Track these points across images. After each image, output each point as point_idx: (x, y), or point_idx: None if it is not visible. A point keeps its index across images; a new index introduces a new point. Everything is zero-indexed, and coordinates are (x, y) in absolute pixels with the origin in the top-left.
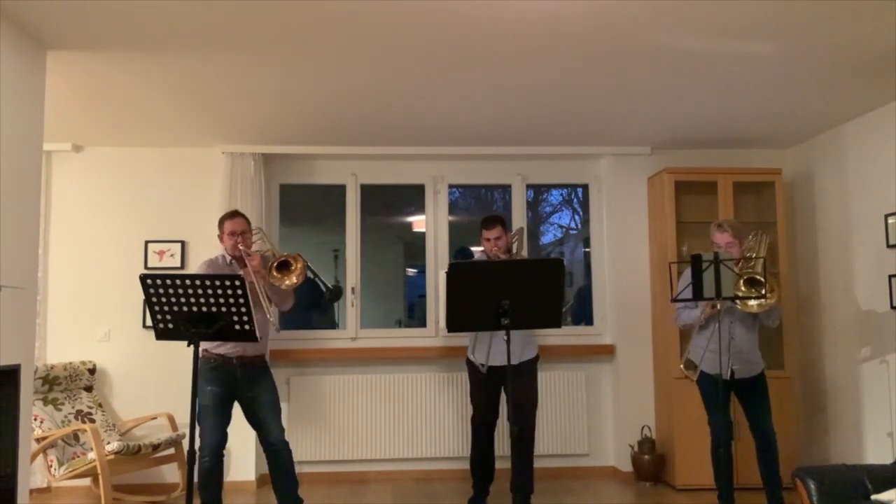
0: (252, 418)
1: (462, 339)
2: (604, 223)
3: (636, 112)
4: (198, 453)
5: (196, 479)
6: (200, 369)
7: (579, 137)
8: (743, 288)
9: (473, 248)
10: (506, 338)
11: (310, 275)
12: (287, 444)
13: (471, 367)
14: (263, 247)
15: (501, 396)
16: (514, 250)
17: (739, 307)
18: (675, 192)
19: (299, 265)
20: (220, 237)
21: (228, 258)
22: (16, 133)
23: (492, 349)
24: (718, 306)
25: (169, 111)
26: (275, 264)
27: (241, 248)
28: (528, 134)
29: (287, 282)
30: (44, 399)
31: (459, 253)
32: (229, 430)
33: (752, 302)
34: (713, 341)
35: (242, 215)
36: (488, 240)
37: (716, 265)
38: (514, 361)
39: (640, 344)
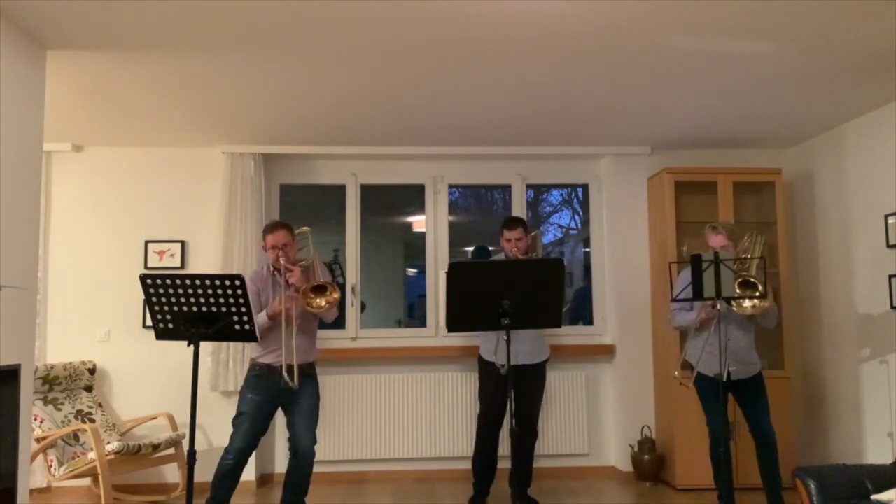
0: (288, 421)
1: (462, 338)
2: (604, 223)
3: (636, 112)
4: (220, 454)
5: (213, 476)
6: (246, 377)
7: (579, 137)
8: (738, 290)
9: (491, 248)
10: (506, 338)
11: (341, 279)
12: (313, 455)
13: (485, 367)
14: (308, 254)
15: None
16: (535, 252)
17: (735, 309)
18: (675, 192)
19: (334, 295)
20: (264, 248)
21: (271, 269)
22: (16, 133)
23: (512, 349)
24: (718, 307)
25: (169, 111)
26: (312, 286)
27: (282, 261)
28: (528, 134)
29: (317, 302)
30: (44, 399)
31: (478, 252)
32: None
33: (747, 304)
34: (710, 343)
35: (284, 227)
36: (509, 240)
37: (716, 265)
38: (531, 362)
39: (640, 344)
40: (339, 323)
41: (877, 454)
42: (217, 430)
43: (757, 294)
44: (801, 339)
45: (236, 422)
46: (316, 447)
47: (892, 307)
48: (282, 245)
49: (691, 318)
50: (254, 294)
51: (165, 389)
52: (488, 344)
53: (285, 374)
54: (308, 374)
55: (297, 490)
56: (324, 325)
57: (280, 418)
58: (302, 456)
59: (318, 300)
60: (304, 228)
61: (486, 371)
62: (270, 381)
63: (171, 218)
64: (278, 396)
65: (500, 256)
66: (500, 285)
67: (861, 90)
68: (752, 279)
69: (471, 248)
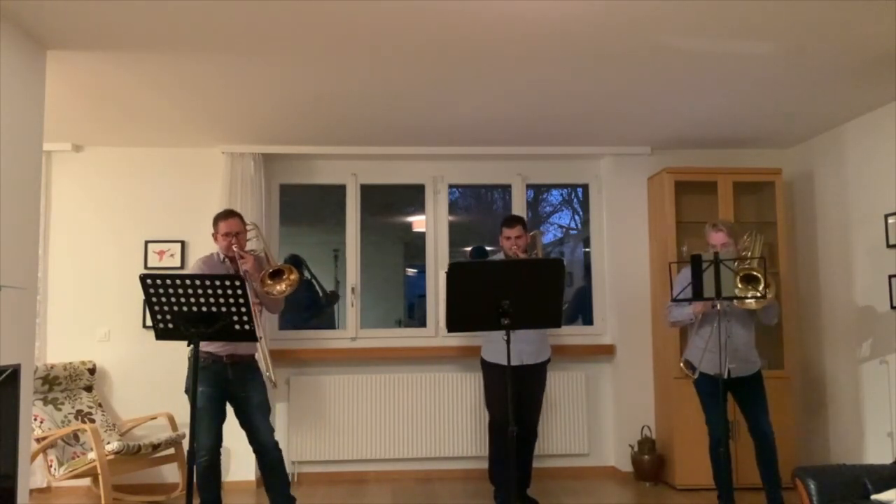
0: (242, 418)
1: (462, 338)
2: (604, 223)
3: (636, 112)
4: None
5: (194, 479)
6: (190, 369)
7: (579, 137)
8: (739, 285)
9: (487, 248)
10: (505, 338)
11: (307, 275)
12: (276, 443)
13: (490, 369)
14: (258, 245)
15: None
16: (535, 251)
17: (737, 304)
18: (675, 192)
19: (292, 276)
20: (215, 236)
21: (223, 256)
22: (16, 133)
23: (516, 349)
24: (719, 306)
25: (169, 111)
26: (269, 271)
27: (234, 249)
28: (528, 134)
29: (277, 288)
30: (44, 399)
31: (476, 252)
32: (229, 430)
33: (750, 297)
34: (711, 342)
35: (237, 215)
36: (508, 238)
37: (716, 265)
38: (534, 362)
39: (640, 344)
40: (338, 323)
41: (877, 454)
42: None
43: (759, 288)
44: (801, 339)
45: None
46: (315, 446)
47: (892, 307)
48: (235, 233)
49: (688, 312)
50: None
51: (165, 389)
52: (491, 345)
53: (267, 376)
54: (251, 365)
55: (278, 485)
56: (321, 325)
57: (283, 415)
58: (267, 449)
59: (277, 286)
60: (250, 222)
61: (492, 374)
62: (215, 371)
63: (171, 218)
64: (226, 385)
65: (500, 256)
66: (500, 285)
67: (861, 90)
68: (754, 272)
69: (469, 249)
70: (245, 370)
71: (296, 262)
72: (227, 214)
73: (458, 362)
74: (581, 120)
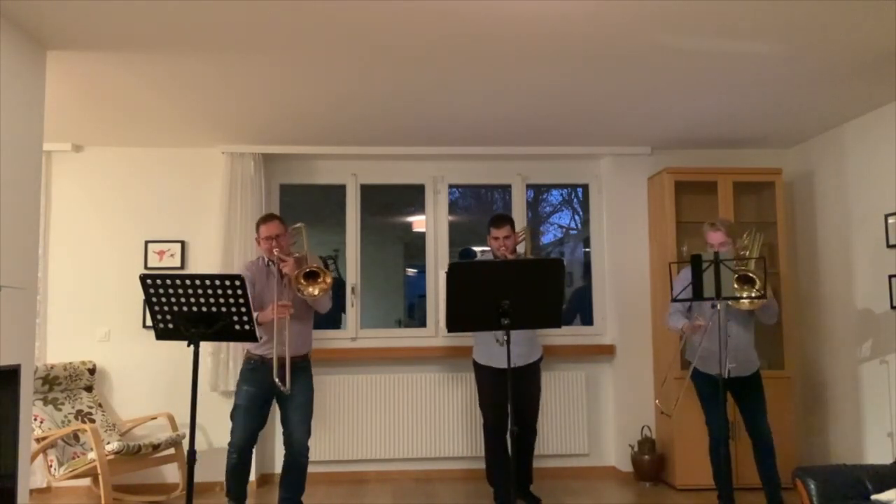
0: (282, 417)
1: (463, 338)
2: (604, 223)
3: (636, 112)
4: (227, 449)
5: (225, 473)
6: (241, 370)
7: (579, 137)
8: (736, 286)
9: (477, 248)
10: (506, 337)
11: (336, 275)
12: (307, 449)
13: (481, 371)
14: (301, 248)
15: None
16: (524, 251)
17: (733, 305)
18: (675, 192)
19: (327, 279)
20: (257, 240)
21: (266, 260)
22: (16, 133)
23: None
24: (718, 306)
25: (169, 111)
26: (304, 271)
27: (275, 251)
28: (528, 134)
29: (309, 290)
30: (44, 399)
31: (463, 254)
32: (225, 430)
33: (745, 299)
34: (710, 341)
35: (277, 218)
36: (496, 238)
37: (716, 265)
38: (525, 363)
39: (640, 344)
40: (338, 323)
41: (877, 454)
42: (217, 430)
43: (755, 290)
44: (801, 339)
45: (233, 415)
46: (315, 446)
47: (892, 307)
48: (275, 235)
49: (678, 327)
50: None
51: (165, 389)
52: (482, 346)
53: (276, 379)
54: (302, 367)
55: (292, 487)
56: (322, 325)
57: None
58: (296, 450)
59: (310, 288)
60: (298, 224)
61: (483, 376)
62: (265, 373)
63: (171, 218)
64: (273, 388)
65: (488, 257)
66: (500, 285)
67: (861, 90)
68: (750, 274)
69: (459, 250)
70: (294, 371)
71: (325, 264)
72: (267, 218)
73: (458, 362)
74: (581, 120)
